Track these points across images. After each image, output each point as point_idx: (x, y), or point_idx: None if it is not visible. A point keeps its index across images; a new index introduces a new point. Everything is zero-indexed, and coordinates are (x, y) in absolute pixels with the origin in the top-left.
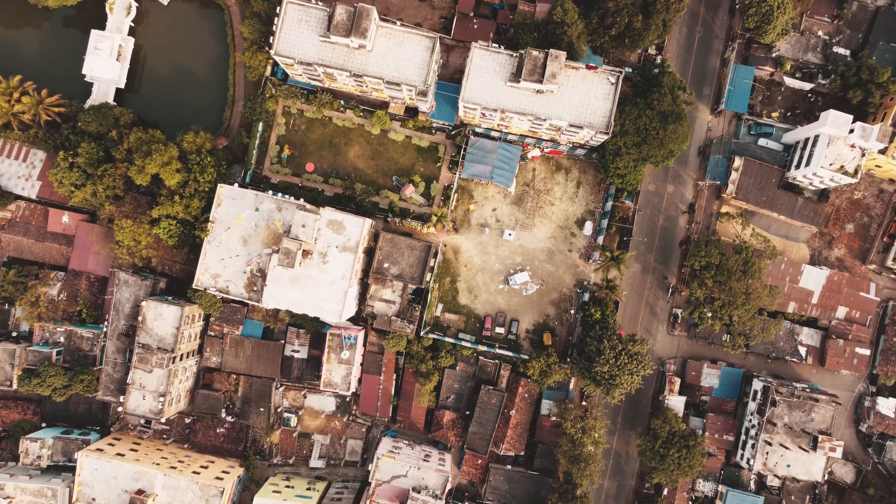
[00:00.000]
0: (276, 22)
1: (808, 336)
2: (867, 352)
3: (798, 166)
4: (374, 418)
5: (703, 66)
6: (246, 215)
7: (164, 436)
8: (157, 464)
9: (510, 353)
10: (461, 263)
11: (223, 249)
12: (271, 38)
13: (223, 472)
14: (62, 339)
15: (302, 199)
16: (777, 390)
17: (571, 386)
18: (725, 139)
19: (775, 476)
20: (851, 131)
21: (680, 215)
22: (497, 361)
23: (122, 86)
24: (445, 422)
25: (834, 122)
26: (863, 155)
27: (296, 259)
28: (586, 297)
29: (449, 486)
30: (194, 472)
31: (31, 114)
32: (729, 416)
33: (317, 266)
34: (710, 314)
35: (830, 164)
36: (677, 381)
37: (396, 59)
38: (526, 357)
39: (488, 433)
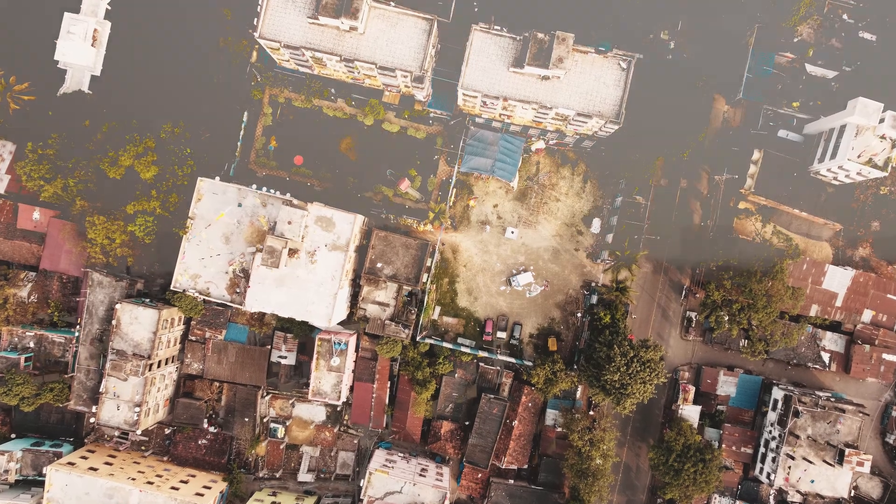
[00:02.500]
0: (260, 2)
1: (831, 341)
2: (895, 358)
3: (822, 159)
4: (368, 429)
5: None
6: (228, 211)
7: (143, 447)
8: (133, 479)
9: (513, 360)
10: (460, 263)
11: (203, 248)
12: (255, 20)
13: (204, 487)
14: (32, 345)
15: (289, 194)
16: (800, 400)
17: (578, 395)
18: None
19: (797, 492)
20: (882, 121)
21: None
22: (498, 368)
23: (98, 73)
24: (443, 433)
25: (863, 111)
26: (893, 146)
27: (281, 258)
28: (594, 299)
29: (447, 503)
30: (173, 488)
31: None
32: (747, 426)
33: (304, 266)
34: (727, 318)
35: (858, 157)
36: (692, 389)
37: (390, 42)
38: (530, 364)
39: (489, 445)
